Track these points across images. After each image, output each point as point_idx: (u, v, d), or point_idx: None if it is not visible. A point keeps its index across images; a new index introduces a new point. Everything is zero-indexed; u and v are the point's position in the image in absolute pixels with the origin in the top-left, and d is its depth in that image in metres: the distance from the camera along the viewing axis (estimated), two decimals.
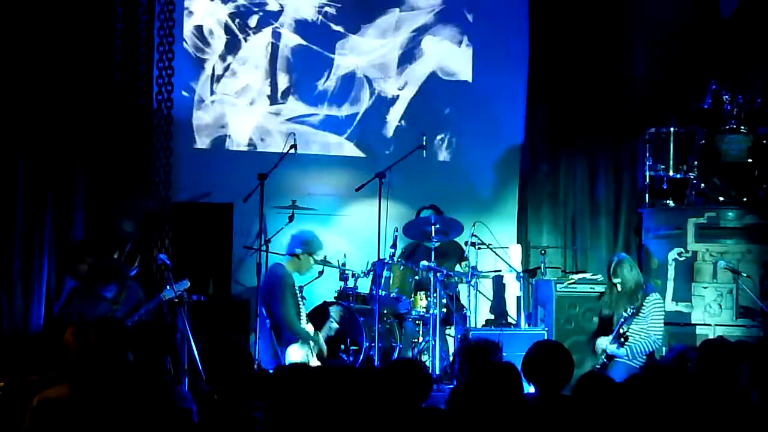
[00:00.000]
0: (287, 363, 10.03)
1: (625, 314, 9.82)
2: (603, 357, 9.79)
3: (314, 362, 10.14)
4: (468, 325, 10.93)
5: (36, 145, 11.01)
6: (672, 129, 12.01)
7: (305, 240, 10.76)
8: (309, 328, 10.53)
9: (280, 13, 12.75)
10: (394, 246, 11.27)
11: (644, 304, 9.98)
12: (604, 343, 9.89)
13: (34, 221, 11.00)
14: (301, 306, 10.64)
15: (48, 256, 11.03)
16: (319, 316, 10.98)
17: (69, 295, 10.03)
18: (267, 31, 12.72)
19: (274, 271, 10.67)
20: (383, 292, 10.88)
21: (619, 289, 10.06)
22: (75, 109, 11.17)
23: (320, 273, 11.49)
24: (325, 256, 11.54)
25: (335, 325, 10.77)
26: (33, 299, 10.92)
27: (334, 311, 10.83)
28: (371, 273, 11.20)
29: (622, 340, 9.85)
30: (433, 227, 11.11)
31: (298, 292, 10.75)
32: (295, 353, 10.28)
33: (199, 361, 8.83)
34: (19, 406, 7.17)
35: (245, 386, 5.64)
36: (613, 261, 10.27)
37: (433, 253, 11.13)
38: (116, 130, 11.36)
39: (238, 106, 12.64)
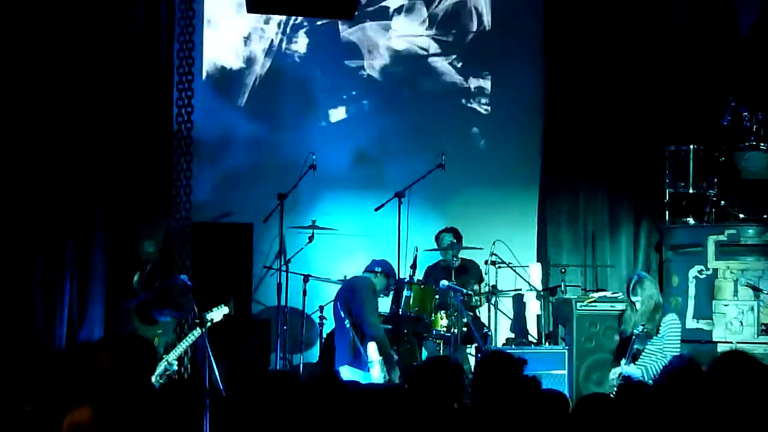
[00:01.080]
0: (368, 358, 10.13)
1: (635, 332, 9.77)
2: (619, 379, 9.72)
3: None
4: (489, 345, 10.93)
5: (56, 167, 11.07)
6: (691, 146, 12.00)
7: (385, 263, 10.81)
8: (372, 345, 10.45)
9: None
10: (414, 266, 11.28)
11: (661, 324, 9.94)
12: (621, 367, 9.83)
13: (55, 244, 11.06)
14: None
15: (70, 279, 11.08)
16: None
17: (131, 312, 9.96)
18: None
19: (362, 278, 10.76)
20: (403, 312, 10.89)
21: (638, 307, 10.02)
22: (95, 132, 11.23)
23: None
24: (345, 276, 11.58)
25: None
26: (55, 321, 10.97)
27: None
28: (391, 292, 11.20)
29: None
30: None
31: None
32: (374, 350, 10.25)
33: (220, 381, 8.86)
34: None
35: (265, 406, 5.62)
36: (632, 279, 10.23)
37: (453, 272, 11.16)
38: (137, 151, 11.41)
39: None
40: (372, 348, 10.20)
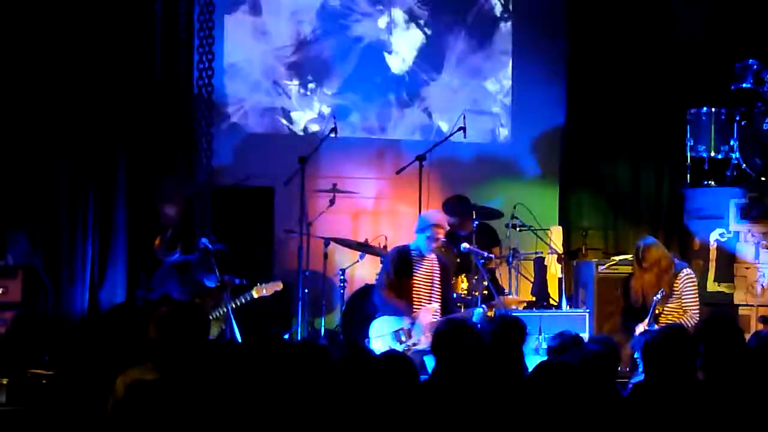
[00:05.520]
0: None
1: (656, 298, 9.72)
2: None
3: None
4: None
5: (78, 132, 11.10)
6: (713, 109, 11.96)
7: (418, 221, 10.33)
8: (430, 308, 9.95)
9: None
10: None
11: (676, 282, 9.90)
12: (641, 328, 9.80)
13: (77, 207, 11.10)
14: (418, 280, 10.02)
15: (92, 242, 11.13)
16: None
17: (173, 270, 9.91)
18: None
19: None
20: None
21: (649, 273, 9.94)
22: (116, 96, 11.24)
23: (361, 256, 11.54)
24: (366, 239, 11.59)
25: None
26: (77, 284, 11.04)
27: None
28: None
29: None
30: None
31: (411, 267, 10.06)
32: (374, 331, 10.03)
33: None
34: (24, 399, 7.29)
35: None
36: (640, 246, 10.14)
37: (474, 235, 11.16)
38: (157, 115, 11.42)
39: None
40: (373, 329, 10.07)
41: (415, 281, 9.91)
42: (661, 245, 10.23)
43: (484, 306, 9.87)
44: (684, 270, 10.03)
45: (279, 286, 10.02)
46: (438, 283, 9.98)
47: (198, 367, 5.43)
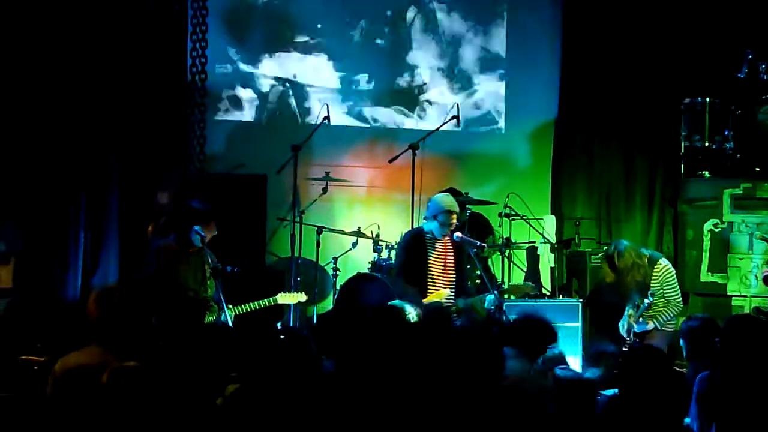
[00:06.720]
0: None
1: (647, 301, 9.63)
2: (632, 336, 9.65)
3: None
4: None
5: (71, 120, 11.06)
6: (708, 99, 11.94)
7: (428, 206, 10.15)
8: (441, 294, 9.77)
9: None
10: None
11: (654, 274, 9.79)
12: (627, 324, 9.74)
13: (70, 194, 11.08)
14: (432, 264, 9.88)
15: (85, 228, 11.11)
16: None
17: (160, 251, 9.75)
18: None
19: None
20: None
21: (624, 276, 9.86)
22: (108, 84, 11.20)
23: (354, 245, 11.52)
24: (359, 228, 11.57)
25: None
26: (70, 270, 11.01)
27: None
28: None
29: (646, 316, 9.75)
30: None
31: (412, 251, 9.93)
32: None
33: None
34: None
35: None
36: (610, 249, 10.00)
37: (467, 225, 11.14)
38: (150, 103, 11.39)
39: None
40: None
41: (429, 265, 9.84)
42: (633, 249, 9.98)
43: (496, 292, 9.80)
44: (660, 261, 9.89)
45: (303, 297, 9.97)
46: (452, 267, 9.93)
47: (143, 350, 5.41)
